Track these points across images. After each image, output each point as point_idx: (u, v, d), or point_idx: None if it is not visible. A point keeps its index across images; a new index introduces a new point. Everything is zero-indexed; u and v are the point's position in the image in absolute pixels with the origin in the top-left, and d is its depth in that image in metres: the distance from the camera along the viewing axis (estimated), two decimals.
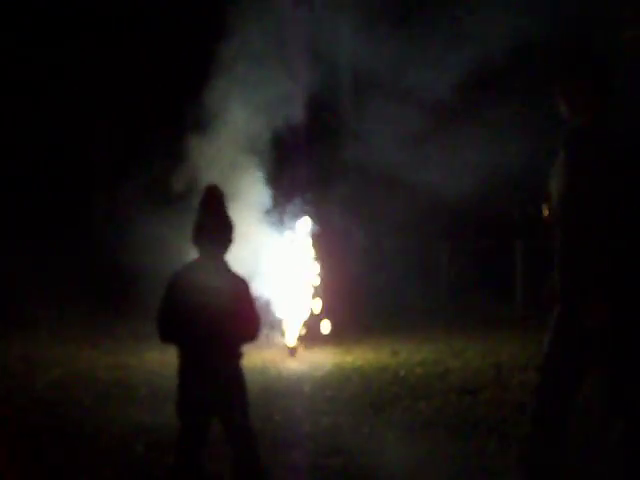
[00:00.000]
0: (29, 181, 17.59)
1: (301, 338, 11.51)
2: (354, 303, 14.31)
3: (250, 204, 10.72)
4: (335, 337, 12.27)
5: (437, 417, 7.79)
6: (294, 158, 11.56)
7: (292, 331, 11.38)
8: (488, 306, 16.57)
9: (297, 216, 11.23)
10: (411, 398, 8.50)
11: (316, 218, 11.47)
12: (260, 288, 11.60)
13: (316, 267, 11.69)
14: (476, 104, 12.24)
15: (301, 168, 11.51)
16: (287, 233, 11.21)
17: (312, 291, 11.72)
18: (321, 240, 11.73)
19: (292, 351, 11.16)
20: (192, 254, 5.19)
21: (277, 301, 11.53)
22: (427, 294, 17.57)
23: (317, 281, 11.71)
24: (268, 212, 11.05)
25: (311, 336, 11.73)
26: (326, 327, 11.85)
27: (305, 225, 11.42)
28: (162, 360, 10.87)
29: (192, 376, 5.23)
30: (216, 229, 5.03)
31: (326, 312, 11.88)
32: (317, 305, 11.74)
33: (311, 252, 11.59)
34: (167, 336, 5.15)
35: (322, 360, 10.91)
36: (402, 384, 9.21)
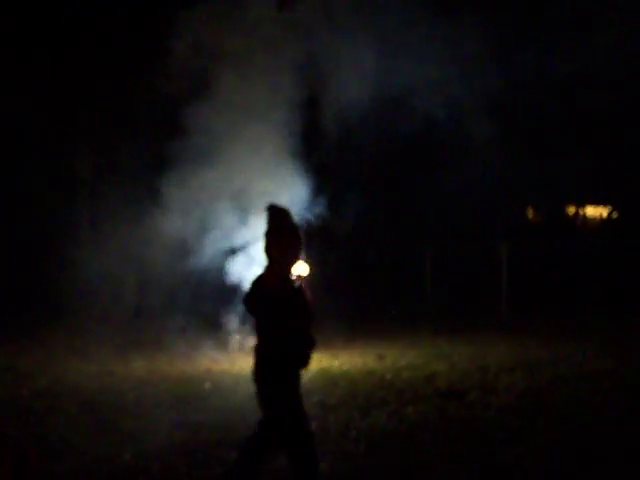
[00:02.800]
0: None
1: None
2: (340, 307, 14.30)
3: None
4: (321, 341, 12.26)
5: (423, 421, 7.81)
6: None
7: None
8: (472, 309, 16.59)
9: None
10: (397, 402, 8.51)
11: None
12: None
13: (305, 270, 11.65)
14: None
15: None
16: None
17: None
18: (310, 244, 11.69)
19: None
20: None
21: None
22: (411, 298, 17.59)
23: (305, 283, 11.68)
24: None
25: None
26: None
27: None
28: (149, 368, 10.87)
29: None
30: (274, 248, 5.33)
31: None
32: None
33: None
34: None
35: None
36: (389, 388, 9.23)
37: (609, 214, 22.99)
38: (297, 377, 5.41)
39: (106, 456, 6.58)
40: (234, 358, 11.71)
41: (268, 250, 5.40)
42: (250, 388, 9.29)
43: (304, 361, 5.38)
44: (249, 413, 8.04)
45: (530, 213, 23.25)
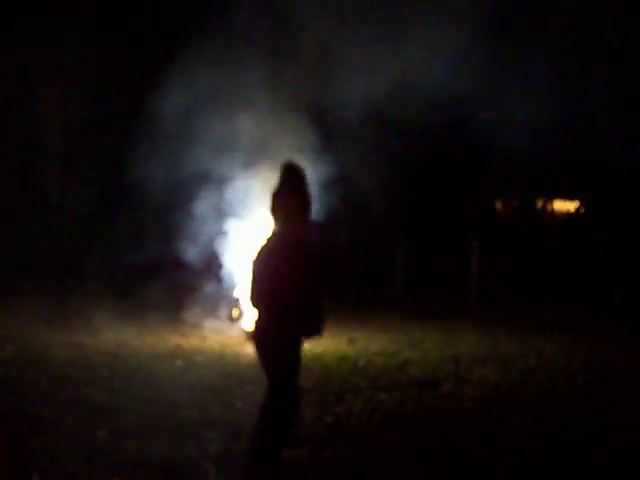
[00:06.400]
0: None
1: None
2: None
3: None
4: None
5: (399, 409, 7.78)
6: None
7: (250, 315, 11.26)
8: (442, 298, 16.63)
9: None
10: (372, 389, 8.49)
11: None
12: (221, 268, 11.55)
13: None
14: None
15: None
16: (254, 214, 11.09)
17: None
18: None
19: (250, 336, 11.03)
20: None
21: (236, 283, 11.44)
22: (382, 286, 17.60)
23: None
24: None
25: None
26: None
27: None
28: (117, 340, 10.71)
29: None
30: (286, 205, 5.15)
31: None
32: None
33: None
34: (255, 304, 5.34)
35: None
36: (362, 374, 9.19)
37: (577, 209, 23.17)
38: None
39: (81, 432, 6.45)
40: (202, 335, 11.61)
41: (275, 212, 5.19)
42: (218, 366, 9.35)
43: (314, 329, 5.23)
44: (223, 392, 8.06)
45: (499, 206, 23.37)
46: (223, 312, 11.79)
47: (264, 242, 5.29)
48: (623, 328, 13.45)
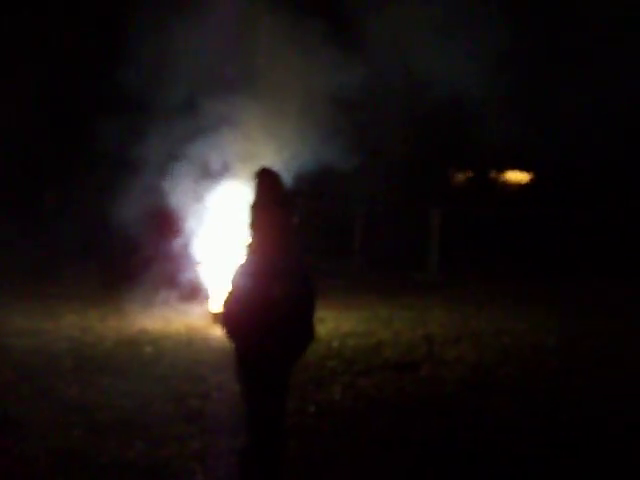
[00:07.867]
0: None
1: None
2: None
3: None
4: None
5: (380, 395, 7.60)
6: None
7: (217, 296, 10.94)
8: (402, 271, 16.45)
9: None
10: (350, 374, 8.28)
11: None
12: (189, 248, 11.17)
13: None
14: None
15: None
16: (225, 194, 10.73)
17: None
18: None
19: (217, 318, 10.72)
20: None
21: (203, 263, 11.08)
22: (341, 260, 17.36)
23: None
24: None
25: None
26: None
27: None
28: (81, 325, 10.29)
29: None
30: (267, 218, 4.69)
31: None
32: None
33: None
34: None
35: None
36: (338, 358, 8.95)
37: (529, 180, 23.23)
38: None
39: (55, 431, 6.11)
40: (167, 317, 11.21)
41: (254, 226, 4.73)
42: (187, 352, 9.04)
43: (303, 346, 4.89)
44: (197, 381, 7.76)
45: (454, 177, 23.29)
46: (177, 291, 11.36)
47: (244, 260, 4.78)
48: (584, 298, 13.51)
